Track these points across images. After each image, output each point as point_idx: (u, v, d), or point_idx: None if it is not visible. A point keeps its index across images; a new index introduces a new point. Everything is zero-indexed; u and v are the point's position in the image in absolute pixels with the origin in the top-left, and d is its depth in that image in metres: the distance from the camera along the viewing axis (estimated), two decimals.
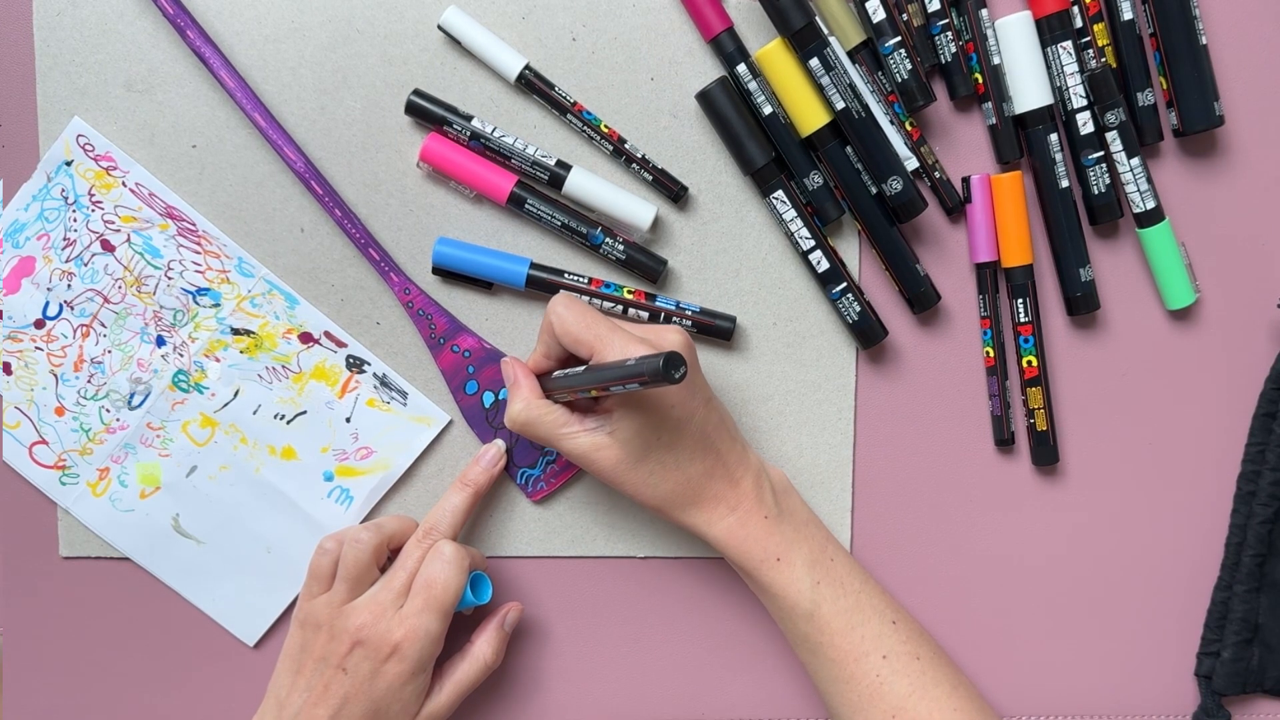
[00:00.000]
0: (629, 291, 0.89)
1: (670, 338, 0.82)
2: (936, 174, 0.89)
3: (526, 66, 0.87)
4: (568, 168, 0.88)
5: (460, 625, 0.89)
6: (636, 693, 0.94)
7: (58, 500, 0.91)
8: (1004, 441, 0.91)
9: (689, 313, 0.89)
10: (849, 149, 0.87)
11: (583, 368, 0.81)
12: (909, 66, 0.85)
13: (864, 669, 0.84)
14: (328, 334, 0.90)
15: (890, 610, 0.86)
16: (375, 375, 0.90)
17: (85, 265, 0.89)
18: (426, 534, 0.87)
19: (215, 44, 0.87)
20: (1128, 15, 0.87)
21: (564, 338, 0.82)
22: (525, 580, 0.93)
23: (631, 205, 0.88)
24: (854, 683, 0.84)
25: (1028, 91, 0.86)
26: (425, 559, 0.85)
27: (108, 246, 0.89)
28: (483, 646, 0.89)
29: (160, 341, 0.90)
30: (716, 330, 0.89)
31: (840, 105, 0.85)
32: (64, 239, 0.89)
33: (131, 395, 0.90)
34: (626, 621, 0.94)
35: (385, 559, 0.88)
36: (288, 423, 0.91)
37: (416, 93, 0.88)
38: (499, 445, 0.90)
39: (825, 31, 0.85)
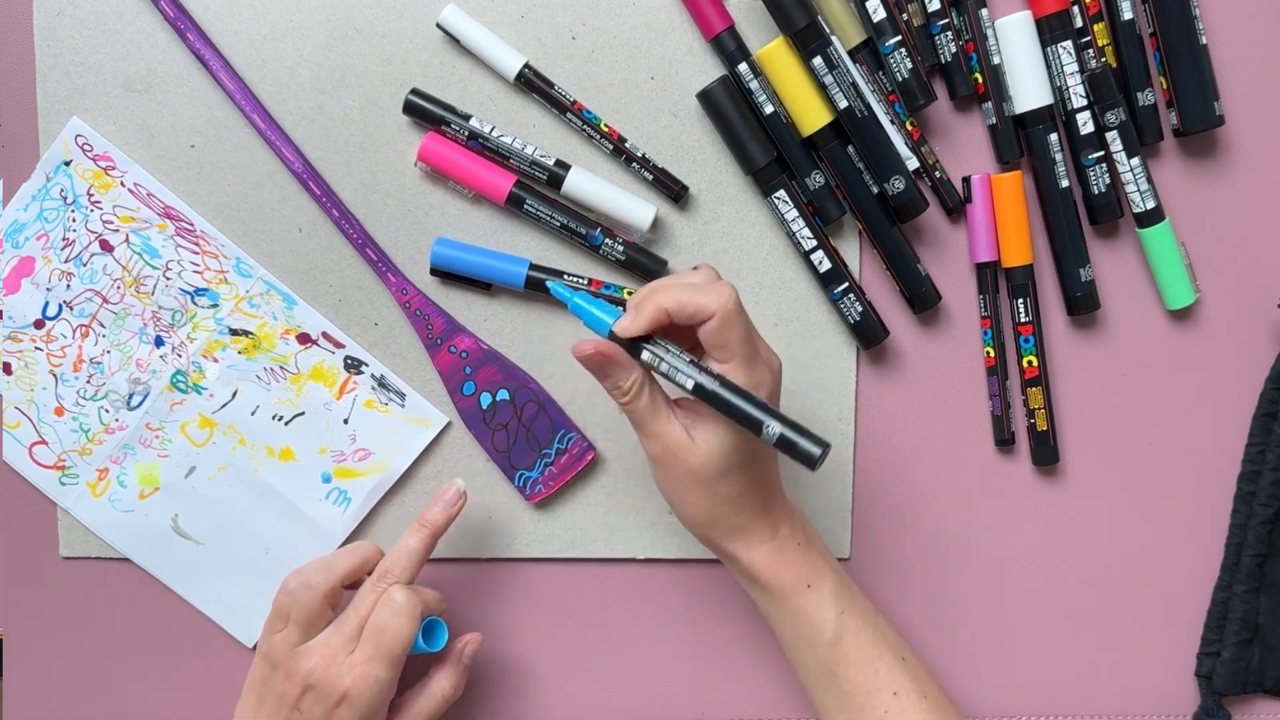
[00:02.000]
0: (629, 292, 0.88)
1: (774, 367, 0.78)
2: (937, 174, 0.89)
3: (526, 65, 0.87)
4: (567, 167, 0.88)
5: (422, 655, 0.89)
6: (636, 693, 0.94)
7: (57, 500, 0.91)
8: (1004, 441, 0.91)
9: None
10: (850, 148, 0.87)
11: (716, 379, 0.75)
12: (909, 66, 0.85)
13: (874, 704, 0.82)
14: (326, 335, 0.90)
15: (901, 646, 0.84)
16: (373, 376, 0.90)
17: (84, 265, 0.89)
18: (381, 577, 0.85)
19: (215, 46, 0.87)
20: (1128, 15, 0.87)
21: (715, 339, 0.75)
22: (524, 582, 0.93)
23: (631, 205, 0.88)
24: (862, 714, 0.82)
25: (1028, 91, 0.86)
26: (377, 605, 0.84)
27: (106, 246, 0.89)
28: (441, 681, 0.87)
29: (159, 342, 0.90)
30: None
31: (843, 104, 0.85)
32: (63, 239, 0.89)
33: (130, 396, 0.90)
34: (626, 623, 0.94)
35: (340, 599, 0.87)
36: (286, 424, 0.91)
37: (415, 92, 0.87)
38: (458, 485, 0.88)
39: (827, 30, 0.85)
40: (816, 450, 0.73)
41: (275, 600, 0.86)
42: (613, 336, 0.76)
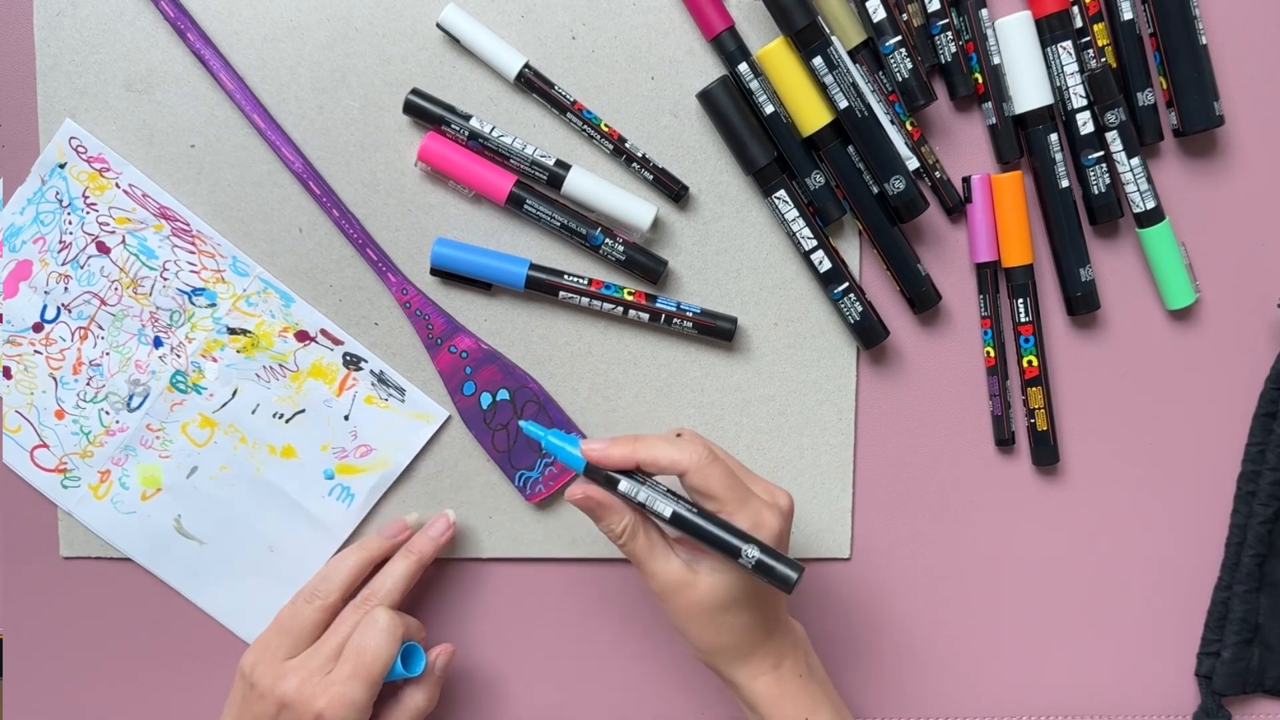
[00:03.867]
0: (629, 293, 0.88)
1: (784, 497, 0.80)
2: (937, 174, 0.89)
3: (526, 65, 0.87)
4: (567, 167, 0.87)
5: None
6: (636, 693, 0.94)
7: (60, 504, 0.91)
8: (1004, 441, 0.91)
9: (689, 314, 0.88)
10: (850, 148, 0.87)
11: (681, 509, 0.78)
12: (909, 66, 0.85)
13: None
14: (324, 331, 0.90)
15: None
16: (373, 372, 0.90)
17: (81, 268, 0.89)
18: (365, 599, 0.86)
19: (215, 46, 0.87)
20: (1128, 15, 0.87)
21: (698, 488, 0.79)
22: (524, 582, 0.93)
23: (631, 205, 0.88)
24: None
25: (1028, 91, 0.86)
26: (360, 626, 0.84)
27: (103, 248, 0.89)
28: (415, 695, 0.87)
29: (158, 342, 0.90)
30: (717, 331, 0.89)
31: (843, 104, 0.85)
32: (60, 242, 0.89)
33: (130, 397, 0.90)
34: (625, 622, 0.94)
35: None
36: (286, 421, 0.91)
37: (415, 92, 0.87)
38: (448, 517, 0.90)
39: (827, 30, 0.85)
40: (793, 574, 0.75)
41: (281, 615, 0.87)
42: (591, 471, 0.80)
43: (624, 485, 0.79)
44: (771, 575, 0.75)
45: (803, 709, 0.83)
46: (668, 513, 0.78)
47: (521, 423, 0.83)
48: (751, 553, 0.76)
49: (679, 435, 0.80)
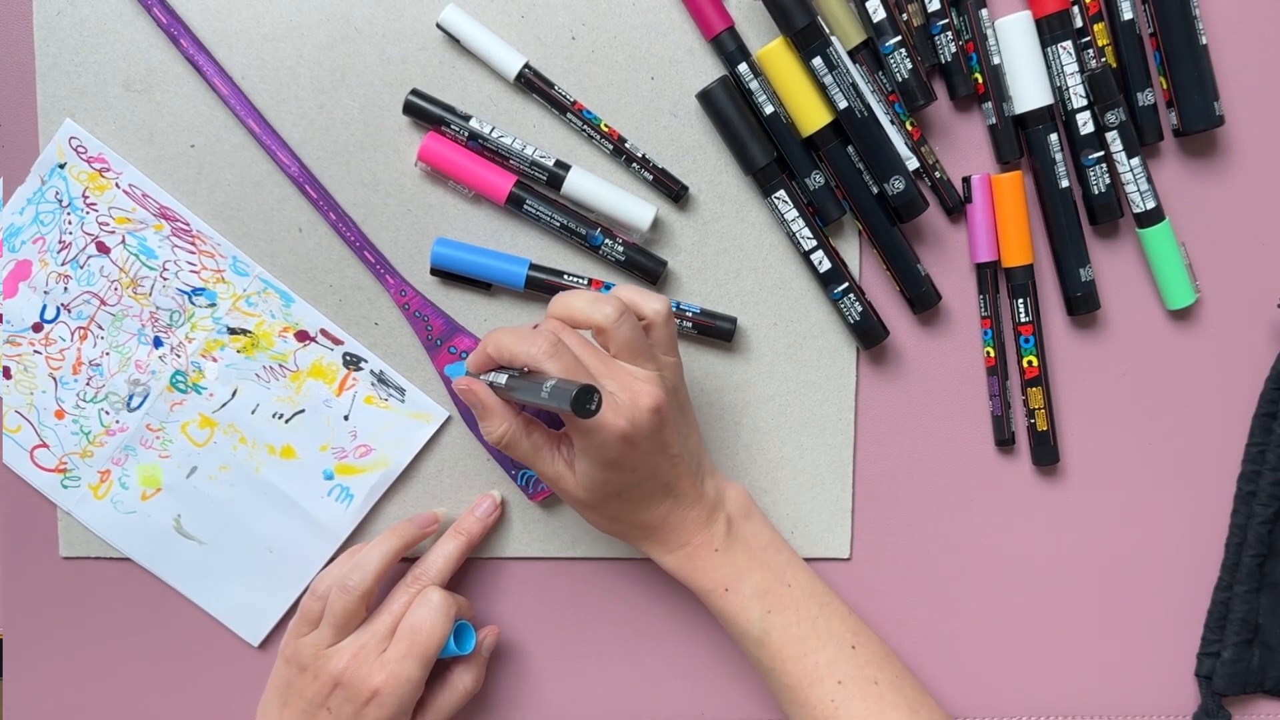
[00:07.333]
0: None
1: (646, 392, 0.80)
2: (937, 174, 0.89)
3: (526, 65, 0.87)
4: (567, 167, 0.87)
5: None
6: (636, 693, 0.94)
7: (60, 504, 0.91)
8: (1004, 441, 0.91)
9: (689, 314, 0.88)
10: (850, 148, 0.87)
11: (506, 376, 0.79)
12: (909, 66, 0.85)
13: (818, 694, 0.84)
14: (324, 331, 0.90)
15: (850, 634, 0.85)
16: (372, 372, 0.90)
17: (81, 268, 0.89)
18: (415, 579, 0.87)
19: (209, 51, 0.87)
20: (1128, 15, 0.87)
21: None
22: (526, 581, 0.93)
23: (631, 205, 0.88)
24: (808, 706, 0.84)
25: (1028, 91, 0.86)
26: (413, 605, 0.85)
27: (103, 248, 0.89)
28: (462, 676, 0.89)
29: (157, 342, 0.90)
30: (717, 331, 0.89)
31: (843, 104, 0.85)
32: (59, 242, 0.89)
33: (130, 397, 0.90)
34: (626, 622, 0.94)
35: (375, 600, 0.88)
36: (286, 421, 0.91)
37: (415, 92, 0.87)
38: (494, 497, 0.91)
39: (827, 31, 0.85)
40: (574, 389, 0.71)
41: (304, 605, 0.87)
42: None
43: (489, 376, 0.82)
44: (567, 400, 0.72)
45: (720, 580, 0.85)
46: (501, 381, 0.80)
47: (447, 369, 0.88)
48: (546, 386, 0.74)
49: (534, 327, 0.81)
